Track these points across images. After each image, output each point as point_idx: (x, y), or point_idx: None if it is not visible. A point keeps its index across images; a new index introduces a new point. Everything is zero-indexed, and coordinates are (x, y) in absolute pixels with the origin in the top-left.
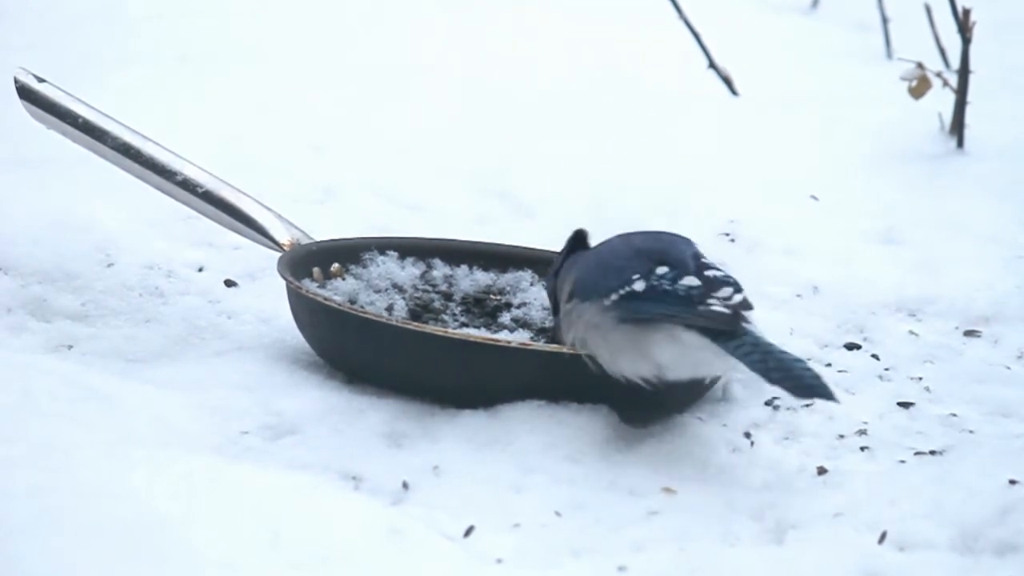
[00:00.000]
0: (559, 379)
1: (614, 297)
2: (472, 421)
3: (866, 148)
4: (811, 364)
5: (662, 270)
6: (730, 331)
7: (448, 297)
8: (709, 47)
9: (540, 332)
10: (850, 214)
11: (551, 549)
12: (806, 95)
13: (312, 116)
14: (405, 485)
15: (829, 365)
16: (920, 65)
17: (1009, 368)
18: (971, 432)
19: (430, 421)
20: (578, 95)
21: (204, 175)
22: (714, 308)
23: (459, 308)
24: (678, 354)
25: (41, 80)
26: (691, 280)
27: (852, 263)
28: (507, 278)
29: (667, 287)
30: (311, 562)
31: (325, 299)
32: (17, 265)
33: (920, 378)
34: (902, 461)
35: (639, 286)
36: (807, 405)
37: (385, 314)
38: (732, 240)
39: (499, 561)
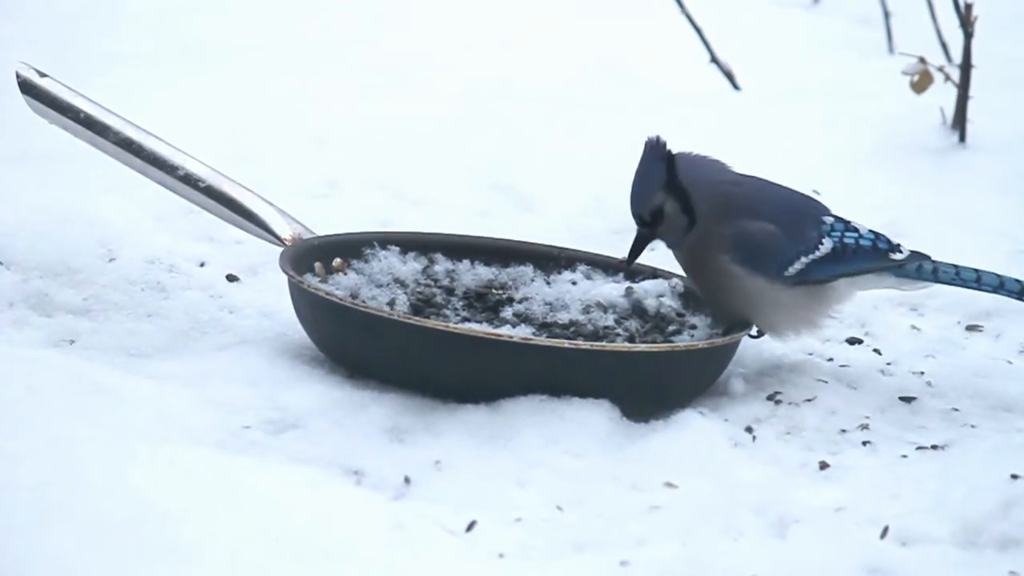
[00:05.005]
0: (561, 374)
1: (801, 263)
2: (474, 416)
3: (868, 142)
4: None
5: (829, 220)
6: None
7: (450, 292)
8: (711, 42)
9: (542, 327)
10: (852, 208)
11: (553, 543)
12: (808, 90)
13: (314, 111)
14: (407, 480)
15: (831, 360)
16: (922, 59)
17: (1011, 363)
18: (973, 427)
19: (432, 416)
20: (580, 89)
21: (206, 170)
22: (905, 252)
23: (461, 303)
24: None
25: (43, 75)
26: (863, 228)
27: None
28: (509, 273)
29: (852, 241)
30: (313, 556)
31: (327, 294)
32: (19, 259)
33: (922, 373)
34: (904, 456)
35: (826, 246)
36: (808, 400)
37: (387, 309)
38: None
39: (501, 555)
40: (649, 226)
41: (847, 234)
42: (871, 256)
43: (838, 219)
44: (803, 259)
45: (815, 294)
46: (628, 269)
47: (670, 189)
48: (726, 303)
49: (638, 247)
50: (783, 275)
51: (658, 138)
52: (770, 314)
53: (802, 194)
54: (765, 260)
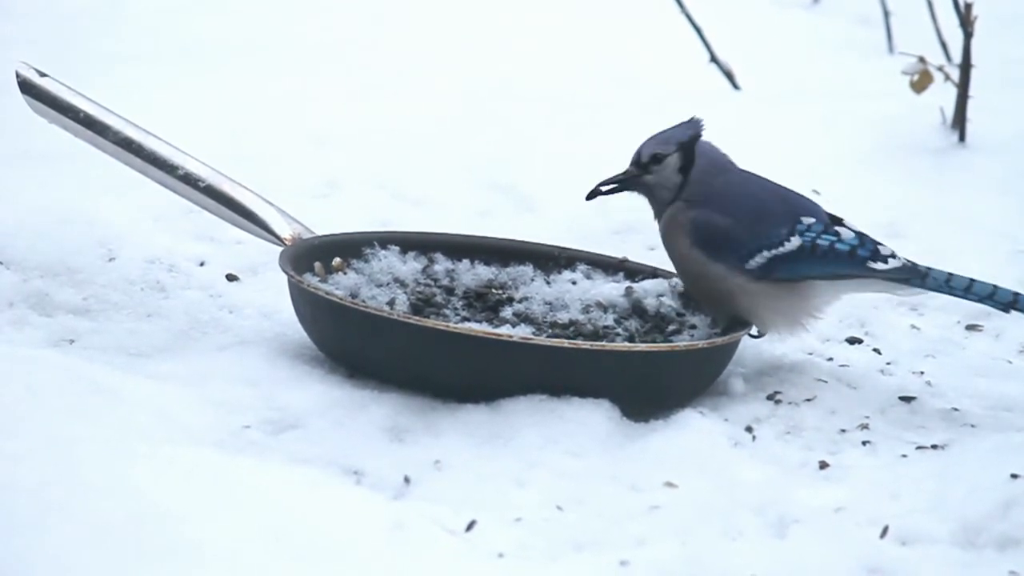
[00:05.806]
0: (560, 373)
1: (763, 257)
2: (473, 416)
3: (868, 142)
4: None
5: (809, 220)
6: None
7: (450, 291)
8: (711, 41)
9: (542, 327)
10: (852, 208)
11: (553, 543)
12: (808, 89)
13: (314, 111)
14: (407, 479)
15: (831, 359)
16: (922, 59)
17: (1011, 362)
18: (973, 426)
19: (432, 415)
20: (580, 89)
21: (206, 169)
22: (893, 264)
23: (461, 302)
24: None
25: (43, 74)
26: (848, 233)
27: None
28: (509, 272)
29: (826, 243)
30: (313, 556)
31: (327, 293)
32: (19, 259)
33: (922, 372)
34: (904, 455)
35: (792, 244)
36: (808, 400)
37: (387, 308)
38: None
39: (501, 555)
40: (640, 169)
41: (823, 236)
42: (844, 262)
43: (825, 221)
44: (765, 253)
45: (790, 291)
46: (591, 197)
47: (682, 149)
48: (698, 288)
49: (616, 181)
50: (744, 266)
51: (700, 120)
52: (744, 302)
53: (791, 194)
54: (721, 249)
